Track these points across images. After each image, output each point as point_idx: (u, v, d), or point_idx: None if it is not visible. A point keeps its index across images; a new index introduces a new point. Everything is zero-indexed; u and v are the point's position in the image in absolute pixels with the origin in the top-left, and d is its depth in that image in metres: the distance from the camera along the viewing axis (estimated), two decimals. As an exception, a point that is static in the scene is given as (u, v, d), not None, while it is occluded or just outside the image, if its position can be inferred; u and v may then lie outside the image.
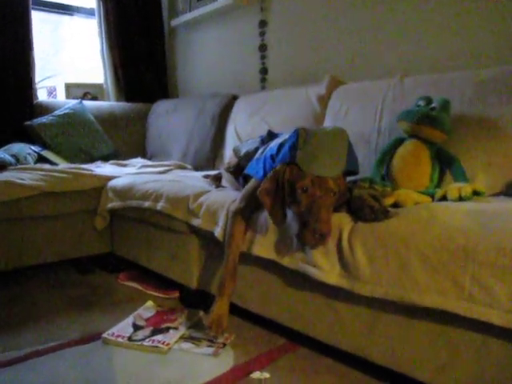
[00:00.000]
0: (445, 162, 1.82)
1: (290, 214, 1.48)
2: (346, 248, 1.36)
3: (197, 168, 3.11)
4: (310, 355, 1.66)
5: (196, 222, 1.94)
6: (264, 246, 1.61)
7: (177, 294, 2.26)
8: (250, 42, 3.38)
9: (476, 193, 1.55)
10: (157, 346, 1.69)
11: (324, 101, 2.56)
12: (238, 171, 2.02)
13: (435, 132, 1.79)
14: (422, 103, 1.88)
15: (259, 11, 3.25)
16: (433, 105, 1.84)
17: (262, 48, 3.28)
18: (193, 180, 2.41)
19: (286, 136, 1.69)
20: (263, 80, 3.32)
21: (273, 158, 1.62)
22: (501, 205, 1.41)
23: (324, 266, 1.41)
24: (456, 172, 1.76)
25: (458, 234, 1.16)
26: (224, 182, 2.22)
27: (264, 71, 3.30)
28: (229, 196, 1.88)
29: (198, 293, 2.08)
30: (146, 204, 2.22)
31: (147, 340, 1.74)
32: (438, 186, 1.81)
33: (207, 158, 3.17)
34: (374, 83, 2.36)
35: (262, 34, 3.27)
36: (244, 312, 1.87)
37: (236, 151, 2.12)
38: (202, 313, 1.98)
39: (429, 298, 1.18)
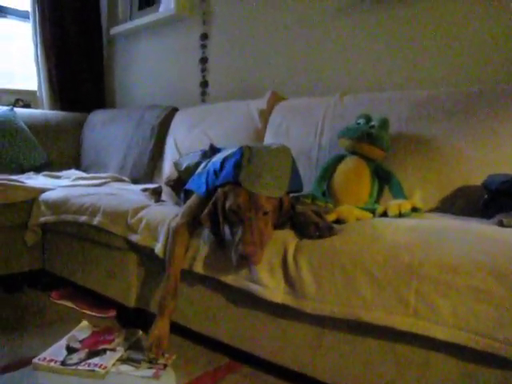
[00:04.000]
0: (383, 179, 1.87)
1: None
2: (291, 265, 1.35)
3: (134, 181, 3.02)
4: (253, 374, 1.63)
5: (135, 237, 1.88)
6: (207, 264, 1.57)
7: (114, 313, 2.17)
8: (191, 54, 3.35)
9: (414, 209, 1.60)
10: (93, 370, 1.60)
11: (265, 115, 2.58)
12: (179, 185, 1.98)
13: (375, 149, 1.84)
14: (361, 121, 1.93)
15: (201, 24, 3.25)
16: (372, 123, 1.89)
17: (203, 61, 3.27)
18: (131, 193, 2.34)
19: (229, 151, 1.67)
20: (203, 93, 3.30)
21: (216, 173, 1.59)
22: (439, 221, 1.46)
23: (269, 284, 1.39)
24: (394, 188, 1.82)
25: (402, 251, 1.18)
26: (164, 196, 2.17)
27: (205, 84, 3.29)
28: (169, 211, 1.83)
29: (136, 311, 2.01)
30: (82, 218, 2.12)
31: (82, 363, 1.64)
32: (376, 201, 1.86)
33: (145, 170, 3.09)
34: (315, 100, 2.40)
35: (204, 46, 3.26)
36: (185, 330, 1.81)
37: (177, 165, 2.08)
38: (141, 333, 1.90)
39: (375, 315, 1.19)
